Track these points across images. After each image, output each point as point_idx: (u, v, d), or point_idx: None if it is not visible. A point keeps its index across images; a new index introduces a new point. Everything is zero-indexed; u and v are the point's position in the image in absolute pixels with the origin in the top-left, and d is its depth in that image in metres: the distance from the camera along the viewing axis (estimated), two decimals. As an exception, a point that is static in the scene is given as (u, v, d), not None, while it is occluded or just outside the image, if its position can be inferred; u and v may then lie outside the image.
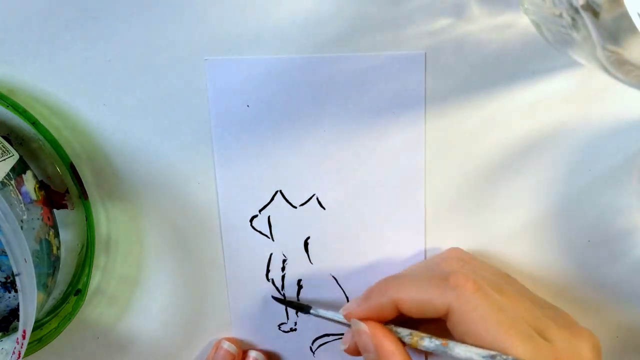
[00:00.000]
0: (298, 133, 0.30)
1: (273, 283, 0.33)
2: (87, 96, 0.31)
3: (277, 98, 0.30)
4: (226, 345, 0.34)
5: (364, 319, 0.27)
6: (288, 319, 0.34)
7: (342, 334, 0.34)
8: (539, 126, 0.29)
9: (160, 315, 0.35)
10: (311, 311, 0.30)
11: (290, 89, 0.29)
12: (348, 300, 0.33)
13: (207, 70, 0.29)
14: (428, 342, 0.25)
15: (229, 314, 0.34)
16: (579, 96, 0.28)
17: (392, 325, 0.27)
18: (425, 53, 0.28)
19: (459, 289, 0.25)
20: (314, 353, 0.35)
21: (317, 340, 0.34)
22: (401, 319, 0.27)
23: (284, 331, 0.34)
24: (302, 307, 0.31)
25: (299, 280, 0.33)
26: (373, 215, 0.31)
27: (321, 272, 0.33)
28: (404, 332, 0.26)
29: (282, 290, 0.33)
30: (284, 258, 0.33)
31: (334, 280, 0.33)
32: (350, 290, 0.33)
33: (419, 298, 0.26)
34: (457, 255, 0.30)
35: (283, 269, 0.33)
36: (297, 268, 0.33)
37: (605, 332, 0.32)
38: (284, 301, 0.33)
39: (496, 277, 0.28)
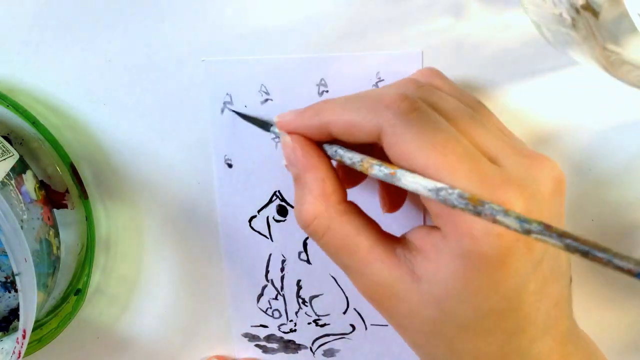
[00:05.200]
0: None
1: (272, 283, 0.33)
2: (87, 96, 0.31)
3: (275, 98, 0.30)
4: None
5: (293, 134, 0.25)
6: (288, 319, 0.34)
7: (342, 334, 0.34)
8: (538, 126, 0.29)
9: (160, 315, 0.35)
10: (271, 129, 0.28)
11: (288, 89, 0.29)
12: (348, 301, 0.33)
13: (205, 71, 0.29)
14: (377, 170, 0.22)
15: (229, 314, 0.34)
16: (579, 96, 0.28)
17: (344, 148, 0.24)
18: (422, 52, 0.28)
19: (392, 109, 0.22)
20: (314, 353, 0.35)
21: (317, 340, 0.34)
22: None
23: (284, 331, 0.34)
24: (264, 124, 0.28)
25: (299, 281, 0.33)
26: (371, 216, 0.31)
27: (320, 272, 0.33)
28: (355, 157, 0.23)
29: (281, 290, 0.33)
30: (283, 258, 0.33)
31: (334, 280, 0.33)
32: (349, 291, 0.33)
33: (349, 119, 0.23)
34: (421, 75, 0.26)
35: (282, 269, 0.33)
36: (297, 268, 0.33)
37: (607, 332, 0.32)
38: (244, 115, 0.30)
39: (457, 104, 0.24)
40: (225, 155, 0.31)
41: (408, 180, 0.21)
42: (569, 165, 0.30)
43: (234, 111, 0.30)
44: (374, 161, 0.23)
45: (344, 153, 0.24)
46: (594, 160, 0.30)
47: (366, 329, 0.34)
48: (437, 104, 0.23)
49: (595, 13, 0.19)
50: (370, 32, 0.28)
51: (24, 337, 0.26)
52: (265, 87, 0.29)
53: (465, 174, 0.20)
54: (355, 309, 0.33)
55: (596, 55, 0.20)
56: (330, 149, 0.25)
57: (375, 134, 0.22)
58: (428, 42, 0.28)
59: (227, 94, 0.30)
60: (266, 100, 0.30)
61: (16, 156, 0.30)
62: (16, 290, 0.33)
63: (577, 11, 0.20)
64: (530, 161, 0.22)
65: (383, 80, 0.29)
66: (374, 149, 0.24)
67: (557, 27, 0.22)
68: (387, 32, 0.28)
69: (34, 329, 0.32)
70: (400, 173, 0.21)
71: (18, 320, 0.29)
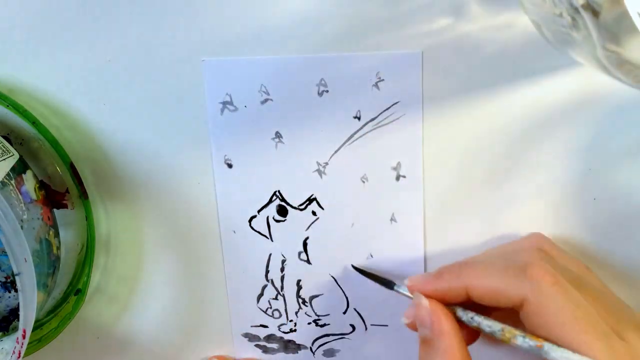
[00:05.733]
0: (295, 133, 0.30)
1: (272, 283, 0.33)
2: (87, 96, 0.31)
3: (275, 98, 0.30)
4: None
5: (428, 297, 0.27)
6: (288, 319, 0.34)
7: (342, 334, 0.34)
8: (538, 126, 0.29)
9: (160, 315, 0.35)
10: (395, 287, 0.29)
11: (288, 89, 0.29)
12: (348, 301, 0.33)
13: (204, 71, 0.29)
14: (522, 341, 0.24)
15: (229, 314, 0.34)
16: (579, 96, 0.28)
17: (481, 316, 0.26)
18: (422, 52, 0.28)
19: (536, 281, 0.24)
20: (314, 353, 0.35)
21: (317, 341, 0.34)
22: (467, 304, 0.26)
23: (284, 331, 0.34)
24: (386, 283, 0.30)
25: (299, 281, 0.33)
26: (371, 216, 0.31)
27: (320, 272, 0.33)
28: (495, 326, 0.25)
29: (281, 290, 0.33)
30: (283, 258, 0.33)
31: (334, 280, 0.33)
32: (349, 291, 0.33)
33: (493, 287, 0.25)
34: (537, 243, 0.29)
35: (282, 269, 0.33)
36: (296, 268, 0.33)
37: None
38: (366, 273, 0.31)
39: (577, 271, 0.27)
40: (225, 155, 0.31)
41: (557, 355, 0.23)
42: (569, 166, 0.30)
43: (356, 268, 0.32)
44: (517, 332, 0.24)
45: (482, 321, 0.25)
46: (594, 161, 0.30)
47: (366, 329, 0.34)
48: (566, 271, 0.26)
49: (595, 13, 0.19)
50: (370, 32, 0.28)
51: (24, 337, 0.26)
52: (265, 87, 0.29)
53: (602, 352, 0.22)
54: (355, 309, 0.33)
55: (596, 55, 0.20)
56: (466, 315, 0.26)
57: (518, 301, 0.24)
58: (428, 42, 0.28)
59: (227, 94, 0.30)
60: (266, 100, 0.30)
61: (16, 156, 0.30)
62: (16, 290, 0.33)
63: (577, 11, 0.20)
64: None
65: (383, 80, 0.29)
66: (494, 311, 0.26)
67: (557, 27, 0.22)
68: (387, 32, 0.28)
69: (34, 329, 0.32)
70: (548, 347, 0.23)
71: (18, 320, 0.29)
